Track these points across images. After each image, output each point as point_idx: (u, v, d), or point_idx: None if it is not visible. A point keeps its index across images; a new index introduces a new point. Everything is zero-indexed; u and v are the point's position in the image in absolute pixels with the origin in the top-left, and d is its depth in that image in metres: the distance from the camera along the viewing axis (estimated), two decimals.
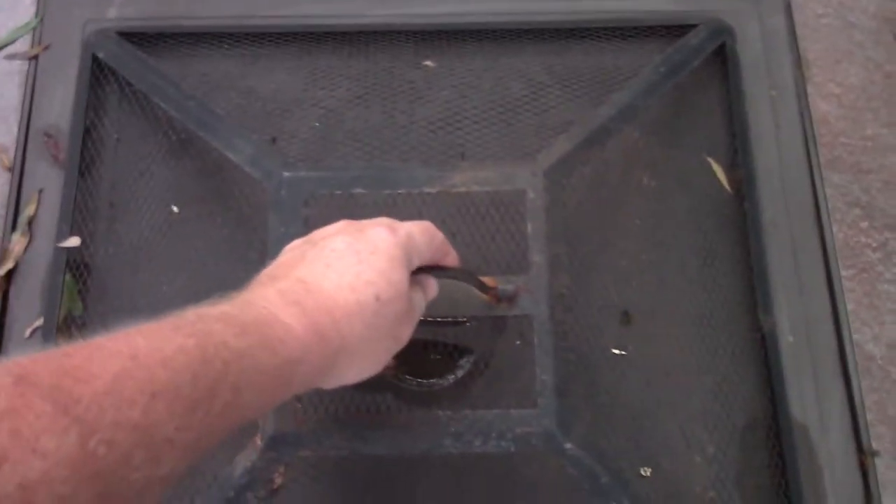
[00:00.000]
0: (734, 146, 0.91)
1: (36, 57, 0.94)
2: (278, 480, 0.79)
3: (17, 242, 0.87)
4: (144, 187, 0.90)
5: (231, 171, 0.87)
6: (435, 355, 0.77)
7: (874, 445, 0.81)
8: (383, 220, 0.60)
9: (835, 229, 0.88)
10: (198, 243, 0.87)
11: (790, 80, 0.94)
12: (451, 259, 0.66)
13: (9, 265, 0.86)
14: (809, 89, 0.94)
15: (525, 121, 0.91)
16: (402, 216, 0.63)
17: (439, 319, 0.75)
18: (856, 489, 0.80)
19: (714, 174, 0.90)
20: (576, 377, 0.76)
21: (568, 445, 0.71)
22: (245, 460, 0.72)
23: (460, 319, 0.76)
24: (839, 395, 0.83)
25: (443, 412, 0.73)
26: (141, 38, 0.94)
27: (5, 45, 0.95)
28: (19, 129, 0.91)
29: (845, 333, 0.85)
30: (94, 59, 0.92)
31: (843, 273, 0.87)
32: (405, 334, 0.60)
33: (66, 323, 0.83)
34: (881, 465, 0.81)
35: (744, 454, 0.82)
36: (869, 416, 0.82)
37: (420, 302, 0.63)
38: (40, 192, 0.89)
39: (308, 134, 0.91)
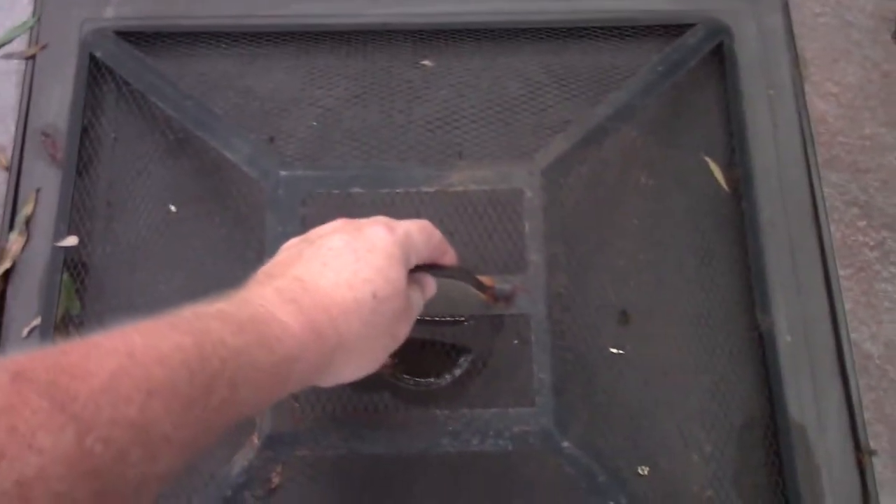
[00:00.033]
0: (732, 145, 0.91)
1: (33, 56, 0.94)
2: (276, 480, 0.79)
3: (15, 242, 0.86)
4: (142, 186, 0.90)
5: (229, 170, 0.87)
6: (433, 354, 0.77)
7: (872, 444, 0.82)
8: (381, 219, 0.60)
9: (832, 228, 0.88)
10: (195, 242, 0.87)
11: (788, 79, 0.94)
12: (449, 258, 0.66)
13: (6, 264, 0.86)
14: (807, 88, 0.94)
15: (523, 120, 0.91)
16: (400, 215, 0.62)
17: (437, 319, 0.75)
18: (853, 488, 0.80)
19: (712, 173, 0.90)
20: (573, 376, 0.76)
21: (565, 444, 0.71)
22: (242, 459, 0.71)
23: (458, 318, 0.76)
24: (837, 394, 0.83)
25: (440, 411, 0.73)
26: (138, 38, 0.94)
27: (2, 45, 0.95)
28: (17, 129, 0.91)
29: (843, 332, 0.85)
30: (92, 58, 0.91)
31: (841, 272, 0.87)
32: (402, 332, 0.60)
33: (64, 322, 0.83)
34: (878, 464, 0.81)
35: (741, 453, 0.82)
36: (866, 415, 0.82)
37: (418, 300, 0.62)
38: (38, 191, 0.89)
39: (306, 133, 0.91)
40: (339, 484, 0.80)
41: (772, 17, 0.96)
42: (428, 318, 0.74)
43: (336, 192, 0.77)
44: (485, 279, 0.72)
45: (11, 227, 0.87)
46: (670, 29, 0.94)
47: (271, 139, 0.91)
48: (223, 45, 0.95)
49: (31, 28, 0.96)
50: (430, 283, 0.65)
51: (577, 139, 0.82)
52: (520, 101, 0.92)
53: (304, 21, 0.95)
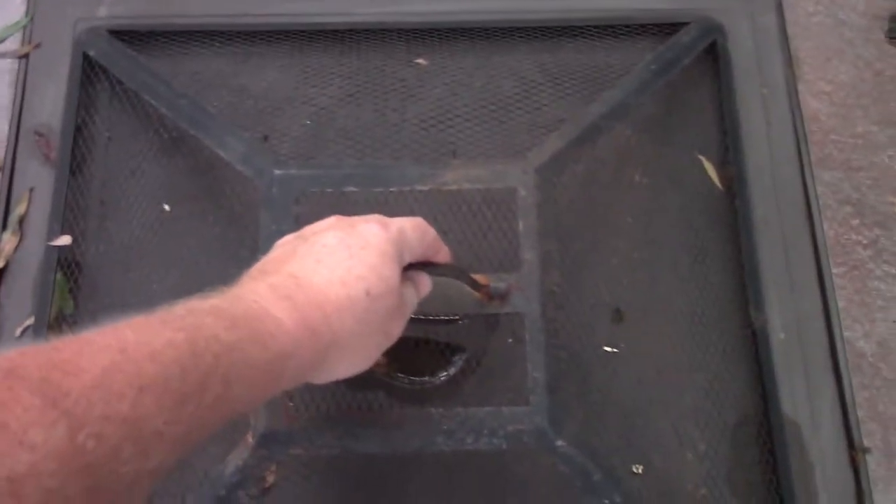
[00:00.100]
0: (725, 144, 0.91)
1: (27, 55, 0.94)
2: (270, 479, 0.78)
3: (8, 241, 0.86)
4: (136, 185, 0.90)
5: (222, 169, 0.87)
6: (427, 353, 0.77)
7: (865, 442, 0.82)
8: (375, 216, 0.60)
9: (826, 227, 0.88)
10: (189, 241, 0.87)
11: (781, 77, 0.94)
12: (443, 255, 0.66)
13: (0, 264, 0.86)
14: (800, 87, 0.94)
15: (517, 119, 0.91)
16: (394, 214, 0.62)
17: (431, 317, 0.75)
18: (847, 486, 0.80)
19: (705, 172, 0.90)
20: (567, 375, 0.76)
21: (560, 443, 0.71)
22: (237, 458, 0.71)
23: (452, 317, 0.76)
24: (830, 393, 0.83)
25: (435, 410, 0.73)
26: (132, 37, 0.93)
27: None
28: (10, 128, 0.91)
29: (836, 330, 0.85)
30: (85, 57, 0.91)
31: (834, 270, 0.87)
32: (396, 330, 0.60)
33: (58, 321, 0.83)
34: (872, 462, 0.81)
35: (735, 451, 0.82)
36: (860, 413, 0.83)
37: (411, 298, 0.62)
38: (31, 190, 0.89)
39: (300, 132, 0.91)
40: (334, 483, 0.80)
41: (765, 16, 0.97)
42: (422, 317, 0.74)
43: (330, 190, 0.77)
44: (479, 277, 0.72)
45: (5, 226, 0.87)
46: (664, 28, 0.94)
47: (265, 138, 0.90)
48: (217, 44, 0.95)
49: (25, 27, 0.95)
50: (425, 281, 0.65)
51: (571, 138, 0.82)
52: (514, 100, 0.92)
53: (297, 20, 0.95)
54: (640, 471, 0.80)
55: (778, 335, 0.84)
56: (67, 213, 0.86)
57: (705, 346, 0.84)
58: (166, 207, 0.89)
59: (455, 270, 0.68)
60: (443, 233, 0.73)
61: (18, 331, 0.84)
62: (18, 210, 0.87)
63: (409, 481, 0.80)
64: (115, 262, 0.87)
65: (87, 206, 0.88)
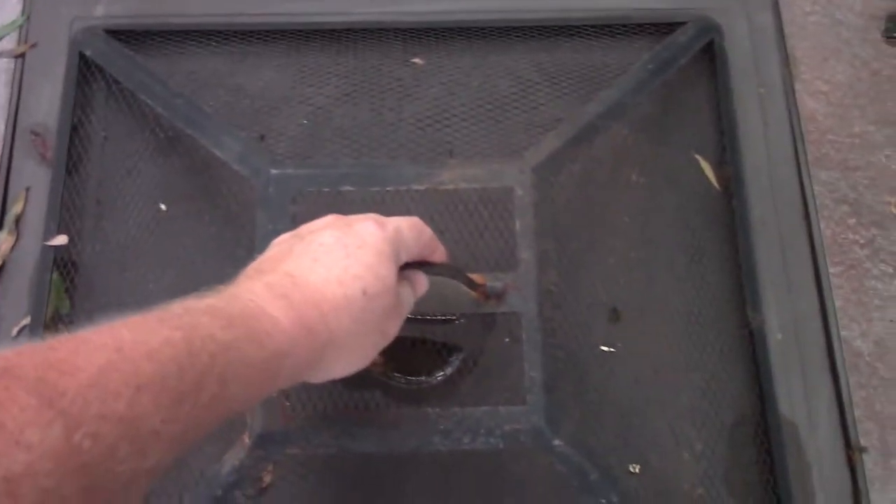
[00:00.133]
0: (722, 143, 0.91)
1: (23, 55, 0.94)
2: (267, 478, 0.78)
3: (4, 241, 0.86)
4: (132, 185, 0.89)
5: (219, 168, 0.87)
6: (424, 353, 0.77)
7: (862, 442, 0.82)
8: (371, 216, 0.60)
9: (822, 226, 0.88)
10: (185, 241, 0.87)
11: (778, 77, 0.94)
12: (440, 255, 0.66)
13: None
14: (797, 87, 0.94)
15: (513, 118, 0.91)
16: (391, 213, 0.62)
17: (428, 317, 0.75)
18: (844, 485, 0.80)
19: (702, 171, 0.90)
20: (564, 374, 0.76)
21: (557, 442, 0.71)
22: (233, 458, 0.71)
23: (449, 317, 0.76)
24: (827, 392, 0.83)
25: (432, 409, 0.72)
26: (128, 36, 0.93)
27: None
28: (6, 128, 0.91)
29: (833, 330, 0.85)
30: (82, 56, 0.91)
31: (831, 270, 0.87)
32: (392, 329, 0.60)
33: (54, 321, 0.83)
34: (869, 462, 0.81)
35: (732, 451, 0.82)
36: (857, 413, 0.83)
37: (408, 297, 0.62)
38: (27, 190, 0.88)
39: (296, 131, 0.91)
40: (331, 483, 0.80)
41: (762, 16, 0.97)
42: (419, 317, 0.74)
43: (326, 190, 0.77)
44: (476, 277, 0.72)
45: (1, 226, 0.87)
46: (661, 27, 0.95)
47: (262, 137, 0.90)
48: (213, 44, 0.95)
49: (21, 27, 0.95)
50: (421, 281, 0.65)
51: (568, 137, 0.82)
52: (511, 99, 0.92)
53: (294, 19, 0.95)
54: (636, 470, 0.80)
55: (775, 335, 0.84)
56: (64, 213, 0.86)
57: (702, 346, 0.84)
58: (163, 207, 0.88)
59: (451, 270, 0.68)
60: (439, 232, 0.73)
61: (15, 330, 0.84)
62: (15, 210, 0.87)
63: (406, 481, 0.80)
64: (111, 262, 0.87)
65: (84, 206, 0.88)
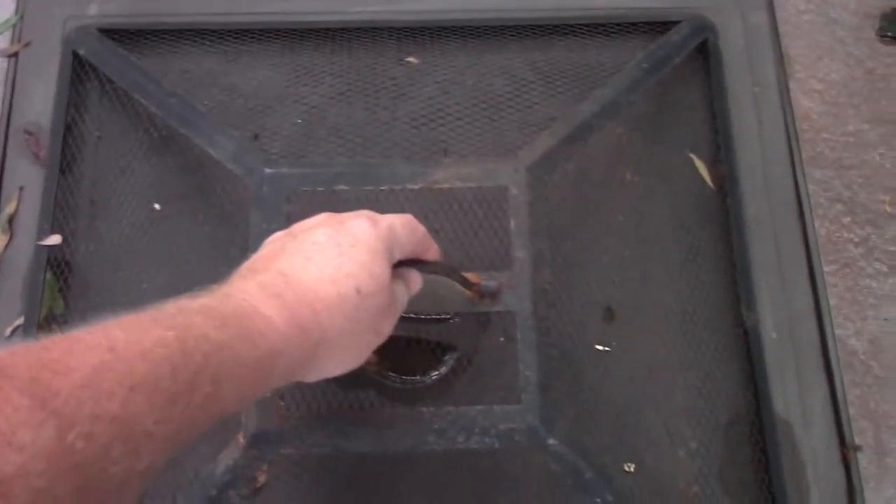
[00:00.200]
0: (717, 142, 0.91)
1: (16, 54, 0.94)
2: (261, 478, 0.78)
3: None
4: (126, 184, 0.89)
5: (213, 167, 0.87)
6: (418, 352, 0.77)
7: (857, 440, 0.82)
8: (364, 213, 0.60)
9: (817, 225, 0.88)
10: (179, 240, 0.87)
11: (772, 76, 0.94)
12: (433, 253, 0.66)
13: None
14: (791, 85, 0.94)
15: (508, 117, 0.91)
16: (385, 212, 0.62)
17: (423, 316, 0.75)
18: (839, 484, 0.80)
19: (697, 170, 0.90)
20: (559, 373, 0.76)
21: (551, 441, 0.71)
22: (227, 458, 0.71)
23: (443, 316, 0.76)
24: (822, 391, 0.83)
25: (426, 409, 0.72)
26: (122, 35, 0.93)
27: None
28: None
29: (828, 329, 0.85)
30: (75, 56, 0.91)
31: (826, 268, 0.87)
32: (386, 328, 0.60)
33: (48, 321, 0.83)
34: (863, 460, 0.81)
35: (727, 449, 0.82)
36: (851, 411, 0.83)
37: (402, 295, 0.62)
38: (21, 189, 0.88)
39: (290, 130, 0.91)
40: (325, 482, 0.80)
41: (756, 15, 0.97)
42: (413, 316, 0.74)
43: (321, 189, 0.77)
44: (470, 276, 0.72)
45: None
46: (655, 26, 0.94)
47: (256, 136, 0.90)
48: (207, 43, 0.95)
49: (14, 26, 0.95)
50: (415, 279, 0.64)
51: (563, 136, 0.82)
52: (505, 98, 0.92)
53: (288, 18, 0.94)
54: (631, 469, 0.80)
55: (769, 334, 0.84)
56: (57, 213, 0.86)
57: (697, 345, 0.84)
58: (156, 206, 0.88)
59: (446, 268, 0.68)
60: (434, 231, 0.73)
61: (8, 331, 0.83)
62: (8, 209, 0.87)
63: (401, 480, 0.79)
64: (105, 262, 0.86)
65: (77, 206, 0.88)
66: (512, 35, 0.96)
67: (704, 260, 0.88)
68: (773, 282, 0.86)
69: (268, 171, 0.77)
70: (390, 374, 0.75)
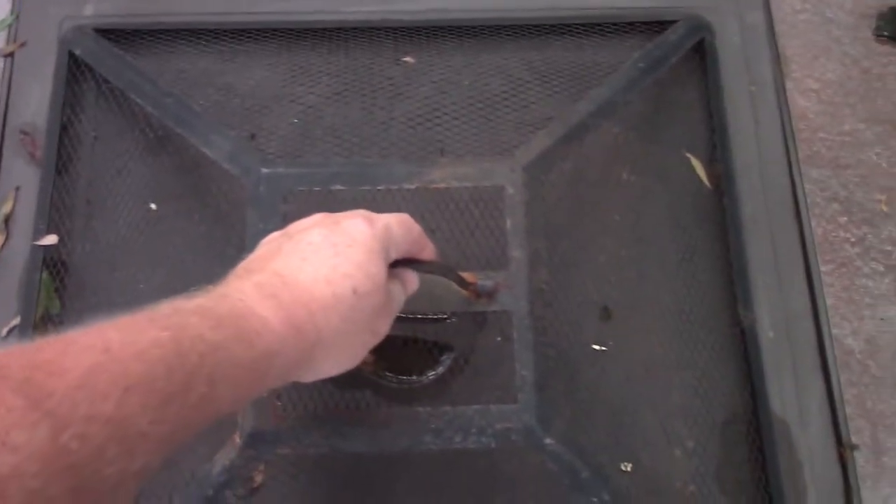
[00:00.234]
0: (713, 142, 0.91)
1: (12, 54, 0.93)
2: (258, 478, 0.78)
3: None
4: (122, 185, 0.89)
5: (209, 167, 0.87)
6: (415, 352, 0.77)
7: (853, 439, 0.82)
8: (360, 212, 0.60)
9: (814, 224, 0.89)
10: (176, 240, 0.87)
11: (769, 75, 0.94)
12: (429, 252, 0.66)
13: None
14: (788, 85, 0.94)
15: (504, 117, 0.91)
16: (382, 212, 0.62)
17: (419, 316, 0.75)
18: (835, 483, 0.80)
19: (693, 170, 0.90)
20: (556, 373, 0.76)
21: (548, 441, 0.71)
22: (224, 458, 0.71)
23: (440, 315, 0.76)
24: (819, 390, 0.83)
25: (423, 409, 0.72)
26: (118, 35, 0.93)
27: None
28: None
29: (824, 328, 0.85)
30: (71, 56, 0.91)
31: (823, 268, 0.87)
32: (383, 328, 0.60)
33: (44, 321, 0.83)
34: (860, 459, 0.82)
35: (724, 449, 0.82)
36: (848, 410, 0.83)
37: (398, 295, 0.62)
38: (17, 189, 0.88)
39: (287, 130, 0.91)
40: (322, 482, 0.80)
41: (753, 14, 0.97)
42: (410, 316, 0.74)
43: (317, 189, 0.76)
44: (466, 275, 0.72)
45: None
46: (652, 25, 0.94)
47: (252, 136, 0.90)
48: (203, 42, 0.95)
49: (10, 26, 0.95)
50: (411, 279, 0.64)
51: (559, 136, 0.82)
52: (501, 98, 0.92)
53: (285, 18, 0.94)
54: (628, 468, 0.80)
55: (766, 333, 0.84)
56: (53, 213, 0.86)
57: (693, 344, 0.84)
58: (153, 206, 0.88)
59: (442, 268, 0.68)
60: (430, 231, 0.73)
61: (4, 331, 0.83)
62: (4, 209, 0.87)
63: (398, 480, 0.79)
64: (101, 262, 0.86)
65: (73, 206, 0.88)
66: (508, 35, 0.96)
67: (701, 259, 0.88)
68: (769, 281, 0.86)
69: (264, 170, 0.77)
70: (387, 374, 0.75)
